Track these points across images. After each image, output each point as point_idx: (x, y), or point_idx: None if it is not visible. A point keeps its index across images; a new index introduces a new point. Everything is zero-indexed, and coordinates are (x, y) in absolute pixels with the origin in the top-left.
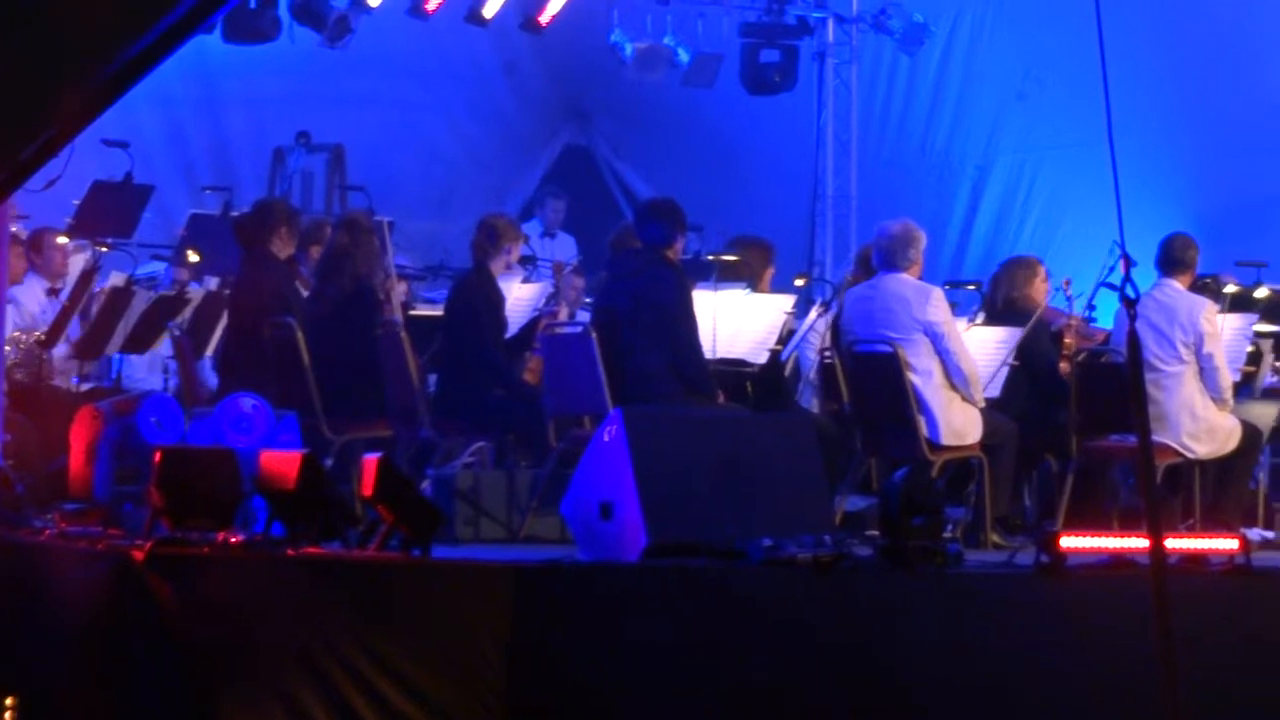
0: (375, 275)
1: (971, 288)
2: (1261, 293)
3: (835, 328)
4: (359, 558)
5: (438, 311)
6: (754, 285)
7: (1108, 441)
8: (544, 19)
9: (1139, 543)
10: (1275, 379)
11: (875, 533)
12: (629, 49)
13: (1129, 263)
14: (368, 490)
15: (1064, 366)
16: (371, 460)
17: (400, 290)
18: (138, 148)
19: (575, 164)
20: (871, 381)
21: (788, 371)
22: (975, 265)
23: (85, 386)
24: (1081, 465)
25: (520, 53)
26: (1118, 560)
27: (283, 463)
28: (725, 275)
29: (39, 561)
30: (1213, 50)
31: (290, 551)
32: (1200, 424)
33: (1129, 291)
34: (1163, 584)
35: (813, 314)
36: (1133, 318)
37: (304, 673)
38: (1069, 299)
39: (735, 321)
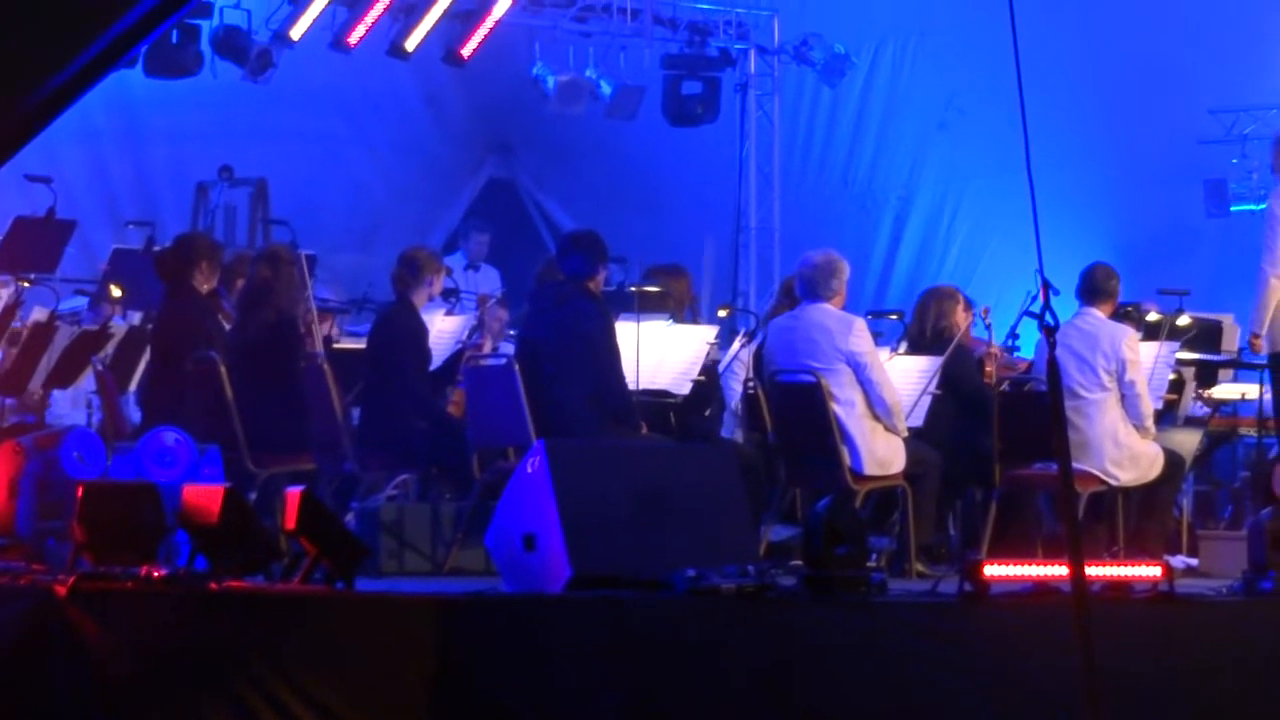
0: (297, 308)
1: (894, 317)
2: (1183, 321)
3: (758, 358)
4: (282, 591)
5: (361, 345)
6: (675, 314)
7: (1031, 470)
8: (466, 52)
9: (1062, 571)
10: (1198, 407)
11: (799, 562)
12: (551, 81)
13: (1048, 291)
14: (291, 524)
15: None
16: (294, 493)
17: (325, 325)
18: (60, 183)
19: (499, 197)
20: (794, 411)
21: (712, 402)
22: (899, 295)
23: (11, 420)
24: (1005, 494)
25: (443, 86)
26: (1041, 588)
27: (205, 497)
28: (647, 306)
29: None
30: (1134, 81)
31: (213, 585)
32: (1123, 451)
33: (1048, 319)
34: (1084, 612)
35: (736, 344)
36: (1052, 345)
37: (227, 707)
38: (988, 328)
39: (658, 352)
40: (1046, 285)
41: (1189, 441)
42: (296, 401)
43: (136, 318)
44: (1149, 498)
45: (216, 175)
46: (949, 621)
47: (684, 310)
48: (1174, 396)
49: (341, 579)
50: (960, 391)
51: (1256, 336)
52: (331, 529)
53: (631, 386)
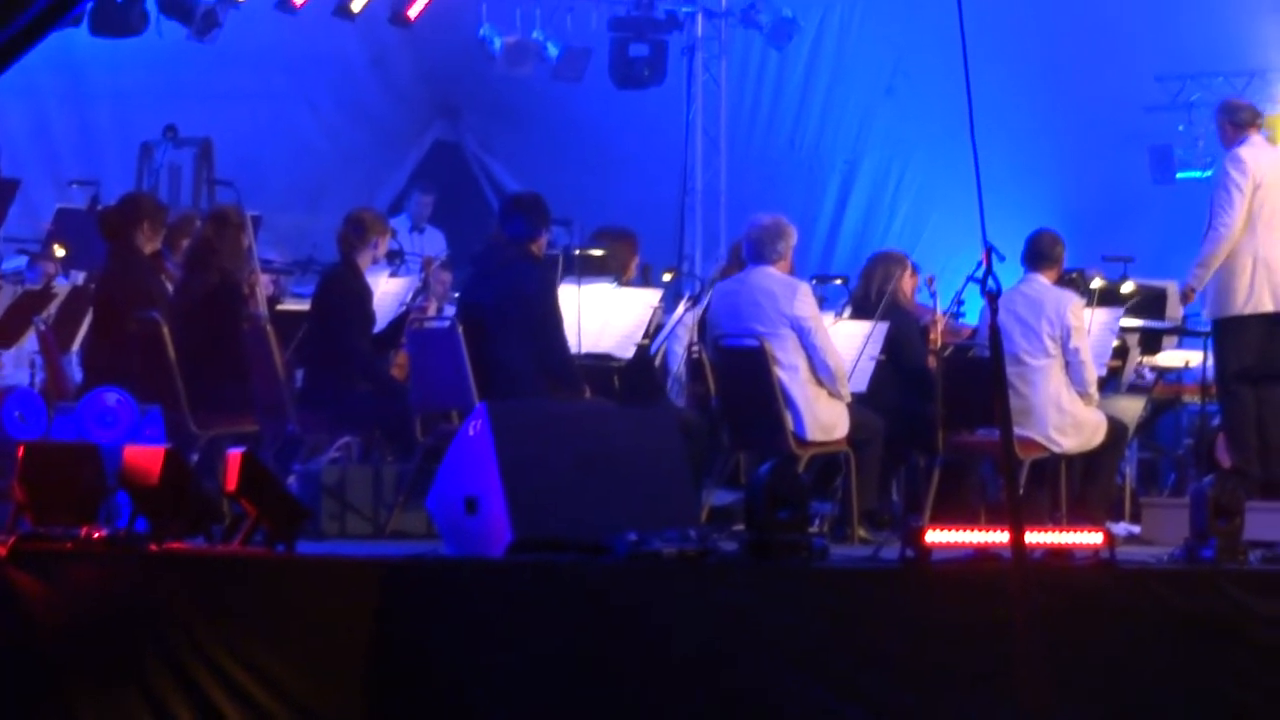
0: (241, 270)
1: (839, 282)
2: (1128, 288)
3: (703, 322)
4: (223, 553)
5: (305, 306)
6: (620, 277)
7: (974, 436)
8: (412, 13)
9: (1003, 537)
10: (1141, 374)
11: (741, 527)
12: (498, 43)
13: (992, 257)
14: (232, 485)
15: (931, 362)
16: (235, 455)
17: (267, 283)
18: (3, 142)
19: (444, 159)
20: (738, 376)
21: (656, 366)
22: (844, 260)
23: None
24: (948, 460)
25: (389, 47)
26: (982, 554)
27: (146, 458)
28: (591, 269)
29: None
30: (1079, 47)
31: (154, 547)
32: (1066, 418)
33: (991, 285)
34: (1023, 578)
35: (680, 308)
36: (994, 311)
37: (166, 669)
38: (933, 295)
39: (602, 316)
40: (990, 251)
41: (1132, 408)
42: (239, 363)
43: (80, 277)
44: (1092, 465)
45: (161, 135)
46: (889, 587)
47: (630, 275)
48: (1118, 363)
49: (282, 541)
50: (901, 359)
51: (1191, 291)
52: (273, 491)
53: (575, 350)
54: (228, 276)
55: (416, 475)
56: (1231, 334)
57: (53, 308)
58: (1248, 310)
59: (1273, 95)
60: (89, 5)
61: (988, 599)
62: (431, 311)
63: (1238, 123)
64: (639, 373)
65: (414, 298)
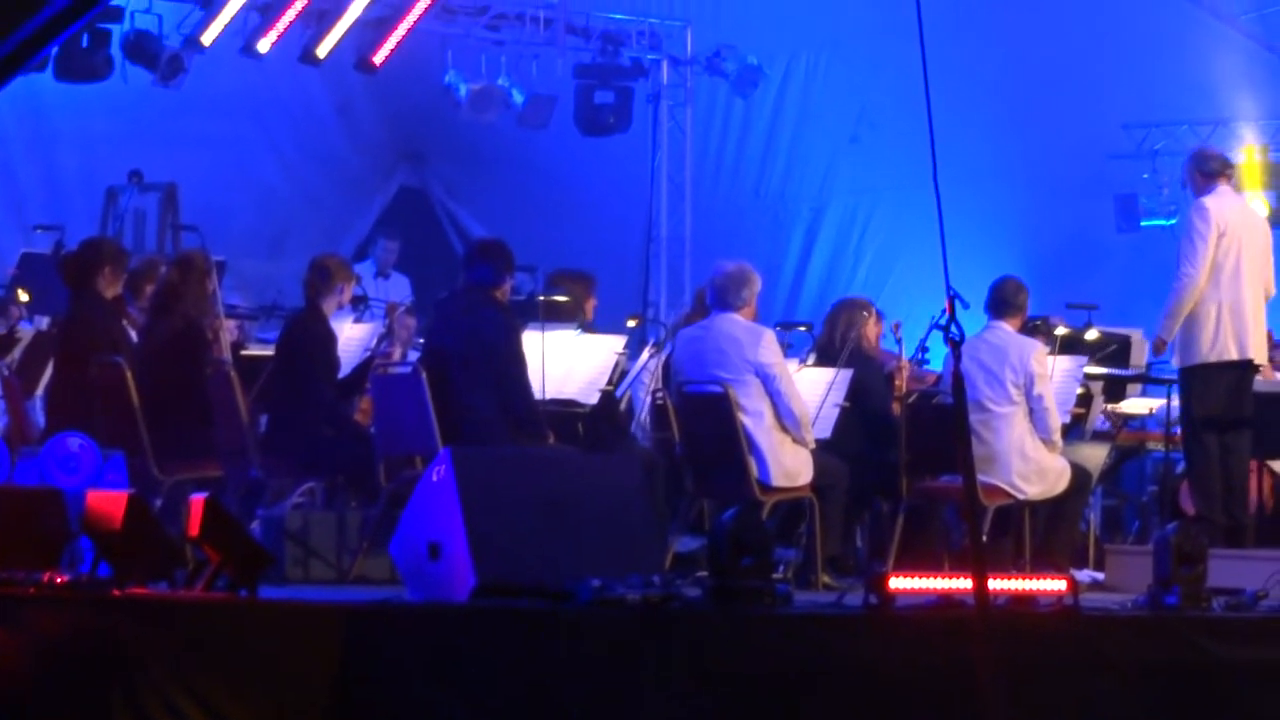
0: (206, 315)
1: (803, 329)
2: (1091, 335)
3: (667, 368)
4: (185, 598)
5: (269, 351)
6: (580, 319)
7: (938, 482)
8: (378, 59)
9: (966, 584)
10: (1105, 421)
11: (705, 573)
12: (463, 90)
13: (955, 304)
14: (195, 530)
15: (895, 408)
16: (198, 500)
17: (231, 328)
18: None
19: (410, 205)
20: (702, 422)
21: (622, 411)
22: (809, 307)
23: None
24: (912, 506)
25: (354, 93)
26: (946, 601)
27: (109, 503)
28: (554, 315)
29: None
30: (1045, 95)
31: (116, 592)
32: (1030, 465)
33: (954, 333)
34: (986, 625)
35: (645, 354)
36: (957, 358)
37: (130, 714)
38: (899, 342)
39: (566, 362)
40: (953, 299)
41: (1096, 456)
42: (202, 408)
43: (44, 322)
44: (1056, 512)
45: (126, 180)
46: (853, 634)
47: (588, 316)
48: (1081, 411)
49: (245, 586)
50: (865, 405)
51: (1163, 342)
52: (236, 536)
53: (539, 396)
54: (192, 322)
55: (380, 521)
56: (1198, 382)
57: (17, 352)
58: (1214, 359)
59: (1238, 144)
60: (54, 51)
61: (951, 645)
62: (396, 357)
63: (1207, 172)
64: (603, 419)
65: (378, 343)
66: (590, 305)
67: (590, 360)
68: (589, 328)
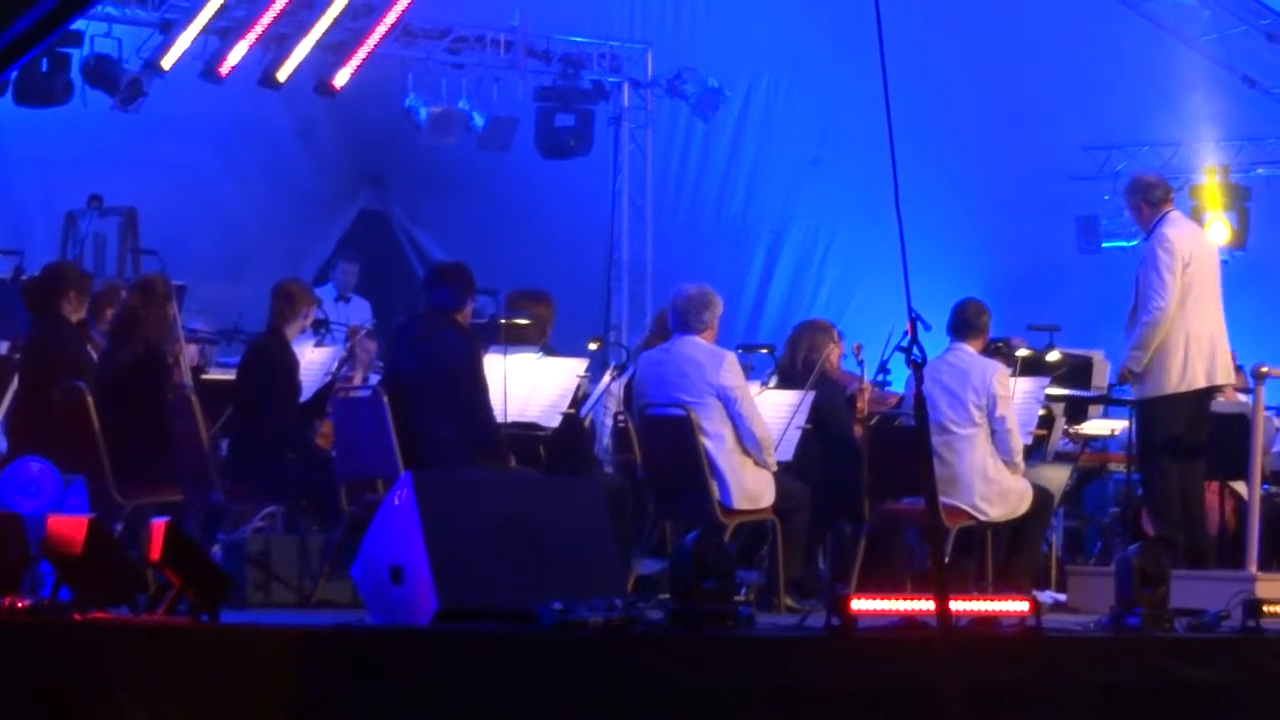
0: (166, 340)
1: (765, 351)
2: (1053, 356)
3: (629, 390)
4: (147, 623)
5: (230, 375)
6: (540, 340)
7: (900, 504)
8: (338, 83)
9: (929, 605)
10: (1067, 443)
11: (667, 596)
12: (424, 113)
13: (917, 326)
14: (156, 555)
15: (857, 430)
16: (159, 524)
17: (193, 353)
18: None
19: (371, 228)
20: (664, 444)
21: (584, 435)
22: (771, 329)
23: None
24: (874, 529)
25: (315, 117)
26: (908, 622)
27: (70, 527)
28: (518, 338)
29: None
30: (1007, 117)
31: (77, 616)
32: (992, 487)
33: (916, 354)
34: (947, 646)
35: (607, 377)
36: (919, 380)
37: None
38: (860, 364)
39: (528, 385)
40: (914, 320)
41: (1058, 477)
42: (163, 433)
43: (4, 347)
44: (1018, 533)
45: (86, 204)
46: (815, 655)
47: (547, 338)
48: (1043, 432)
49: (206, 611)
50: (827, 428)
51: (1130, 373)
52: (197, 560)
53: (500, 419)
54: (152, 346)
55: (342, 544)
56: (1163, 411)
57: None
58: (1183, 388)
59: (1199, 165)
60: (13, 75)
61: (913, 667)
62: (357, 381)
63: (1152, 200)
64: (566, 442)
65: (339, 367)
66: (551, 325)
67: (552, 383)
68: (548, 350)
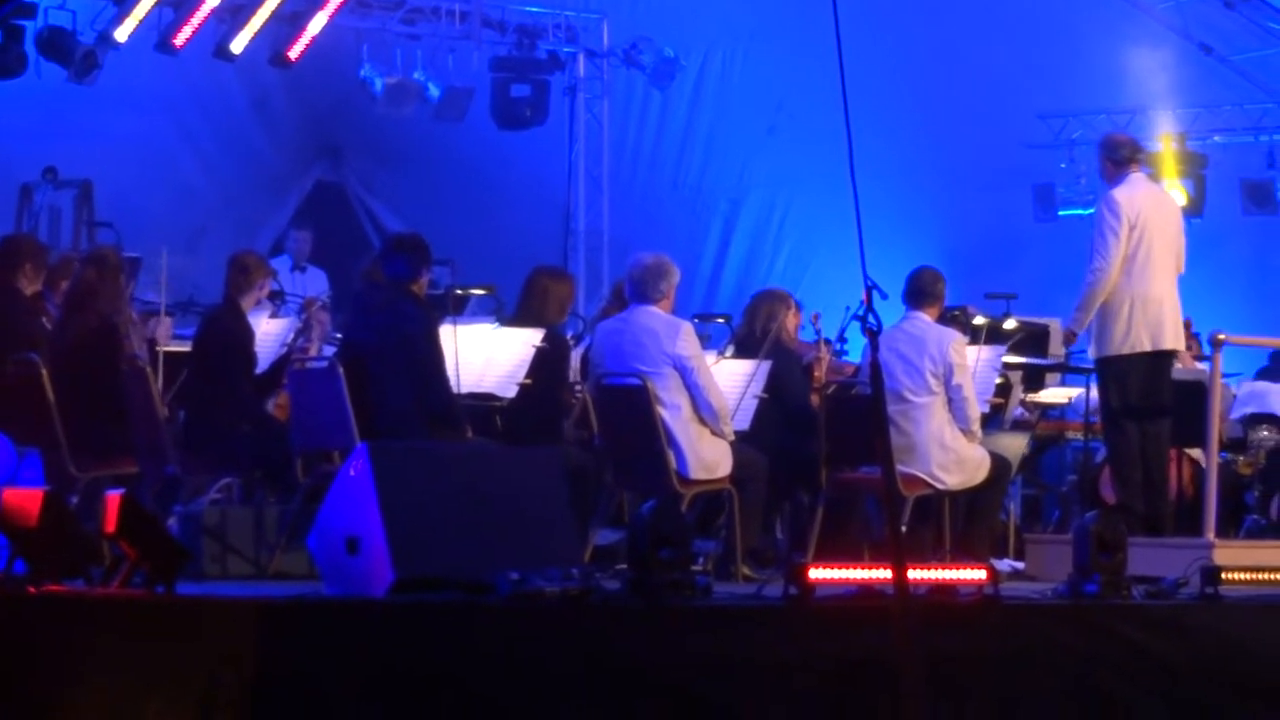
0: (121, 312)
1: (722, 320)
2: (1010, 325)
3: (586, 361)
4: (102, 595)
5: (186, 347)
6: (558, 319)
7: (858, 473)
8: (293, 54)
9: (886, 574)
10: (1023, 411)
11: (624, 566)
12: (379, 84)
13: (872, 294)
14: (111, 527)
15: (814, 399)
16: (114, 497)
17: (166, 324)
18: None
19: (327, 199)
20: (621, 415)
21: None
22: (728, 298)
23: None
24: (832, 498)
25: (270, 88)
26: (866, 591)
27: (25, 500)
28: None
29: None
30: (964, 86)
31: (32, 589)
32: (949, 455)
33: (871, 322)
34: (905, 615)
35: None
36: (875, 349)
37: (45, 710)
38: (818, 333)
39: (484, 355)
40: (871, 289)
41: (1016, 445)
42: (118, 405)
43: None
44: (976, 501)
45: (40, 176)
46: (773, 624)
47: (563, 318)
48: (1000, 400)
49: (162, 583)
50: (784, 397)
51: (1072, 334)
52: (152, 532)
53: (456, 390)
54: (106, 319)
55: (298, 516)
56: (1114, 373)
57: None
58: (1126, 350)
59: (1155, 133)
60: None
61: (871, 636)
62: (313, 352)
63: (1118, 160)
64: (523, 412)
65: (295, 338)
66: (569, 307)
67: (507, 354)
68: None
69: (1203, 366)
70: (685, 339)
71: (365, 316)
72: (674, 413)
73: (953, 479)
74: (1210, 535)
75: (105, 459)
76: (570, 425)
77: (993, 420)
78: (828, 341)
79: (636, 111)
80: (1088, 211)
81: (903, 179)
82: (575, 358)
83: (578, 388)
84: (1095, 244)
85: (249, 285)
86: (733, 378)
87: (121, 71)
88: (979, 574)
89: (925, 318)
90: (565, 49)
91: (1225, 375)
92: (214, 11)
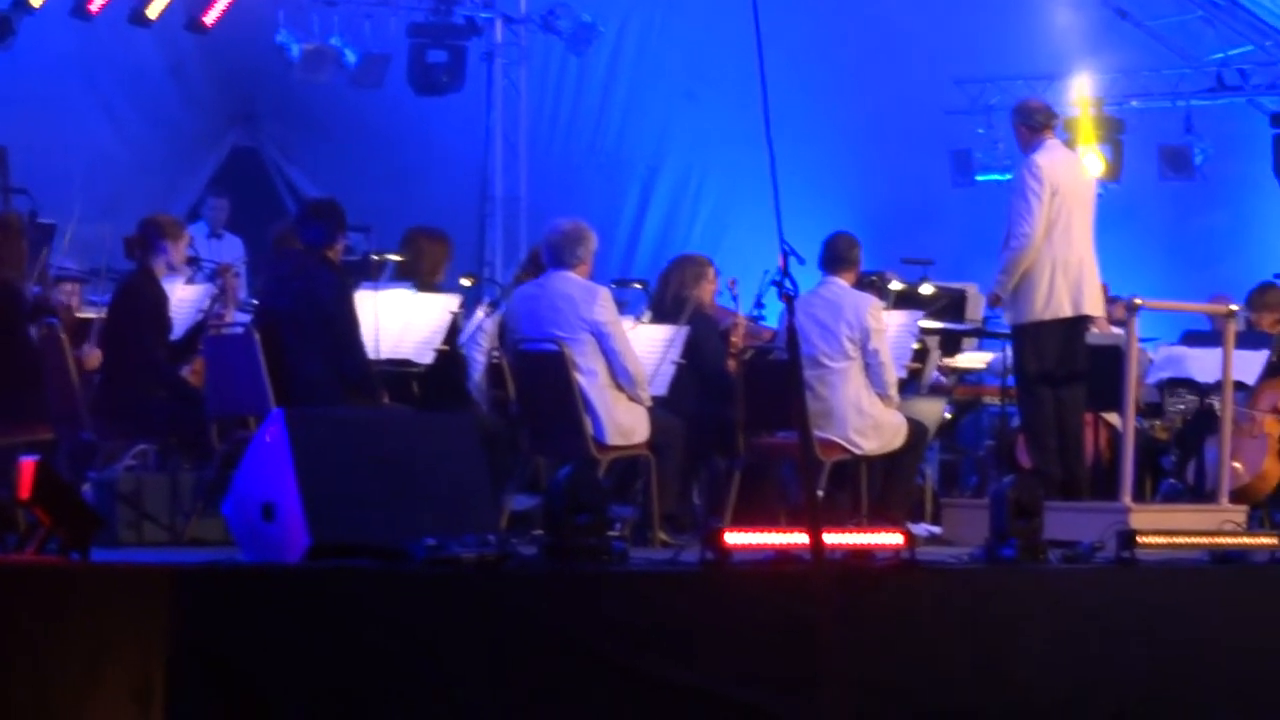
0: (24, 277)
1: (639, 286)
2: (927, 290)
3: (503, 326)
4: (16, 562)
5: (101, 314)
6: (431, 280)
7: (775, 439)
8: (209, 19)
9: (803, 539)
10: (940, 376)
11: (540, 532)
12: (296, 50)
13: (789, 259)
14: (25, 494)
15: (732, 365)
16: (29, 463)
17: (72, 291)
18: None
19: (243, 166)
20: (538, 380)
21: (459, 371)
22: (645, 264)
23: None
24: (749, 463)
25: (186, 54)
26: (783, 556)
27: None
28: (394, 274)
29: None
30: (880, 51)
31: None
32: (867, 420)
33: (788, 287)
34: (822, 579)
35: (480, 313)
36: (791, 314)
37: None
38: (735, 298)
39: (401, 321)
40: (786, 253)
41: (933, 410)
42: (28, 371)
43: None
44: (893, 466)
45: None
46: (689, 590)
47: (440, 277)
48: (918, 365)
49: (77, 550)
50: (701, 362)
51: (997, 298)
52: (67, 499)
53: (373, 355)
54: (10, 286)
55: (213, 482)
56: (1031, 338)
57: None
58: (1047, 315)
59: (1072, 99)
60: None
61: (789, 600)
62: (229, 318)
63: (1033, 125)
64: (440, 378)
65: (211, 304)
66: (445, 266)
67: (425, 319)
68: (434, 288)
69: (1119, 331)
70: (602, 304)
71: (280, 283)
72: (591, 378)
73: (870, 444)
74: (1126, 499)
75: (19, 425)
76: (484, 388)
77: (910, 385)
78: (750, 312)
79: (554, 77)
80: (1005, 177)
81: (820, 145)
82: (491, 324)
83: (495, 353)
84: (1019, 209)
85: (157, 248)
86: (650, 343)
87: (37, 37)
88: (896, 538)
89: (842, 283)
90: (482, 14)
91: (1142, 340)
92: None
